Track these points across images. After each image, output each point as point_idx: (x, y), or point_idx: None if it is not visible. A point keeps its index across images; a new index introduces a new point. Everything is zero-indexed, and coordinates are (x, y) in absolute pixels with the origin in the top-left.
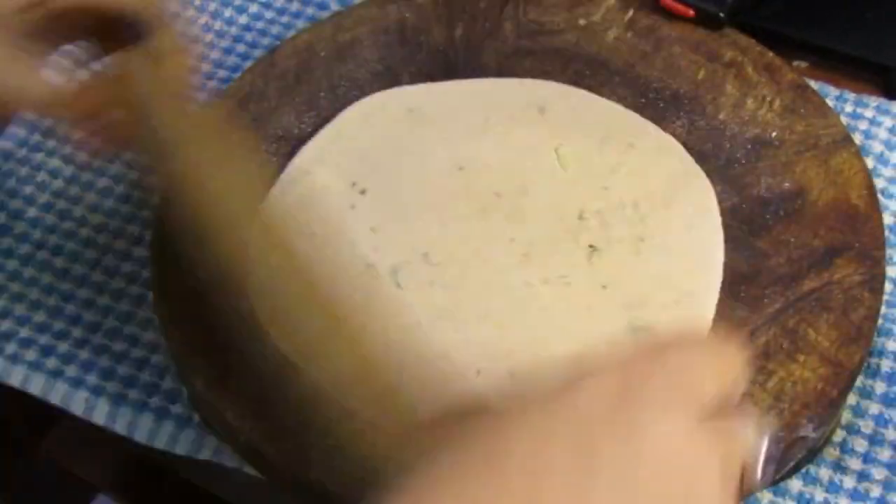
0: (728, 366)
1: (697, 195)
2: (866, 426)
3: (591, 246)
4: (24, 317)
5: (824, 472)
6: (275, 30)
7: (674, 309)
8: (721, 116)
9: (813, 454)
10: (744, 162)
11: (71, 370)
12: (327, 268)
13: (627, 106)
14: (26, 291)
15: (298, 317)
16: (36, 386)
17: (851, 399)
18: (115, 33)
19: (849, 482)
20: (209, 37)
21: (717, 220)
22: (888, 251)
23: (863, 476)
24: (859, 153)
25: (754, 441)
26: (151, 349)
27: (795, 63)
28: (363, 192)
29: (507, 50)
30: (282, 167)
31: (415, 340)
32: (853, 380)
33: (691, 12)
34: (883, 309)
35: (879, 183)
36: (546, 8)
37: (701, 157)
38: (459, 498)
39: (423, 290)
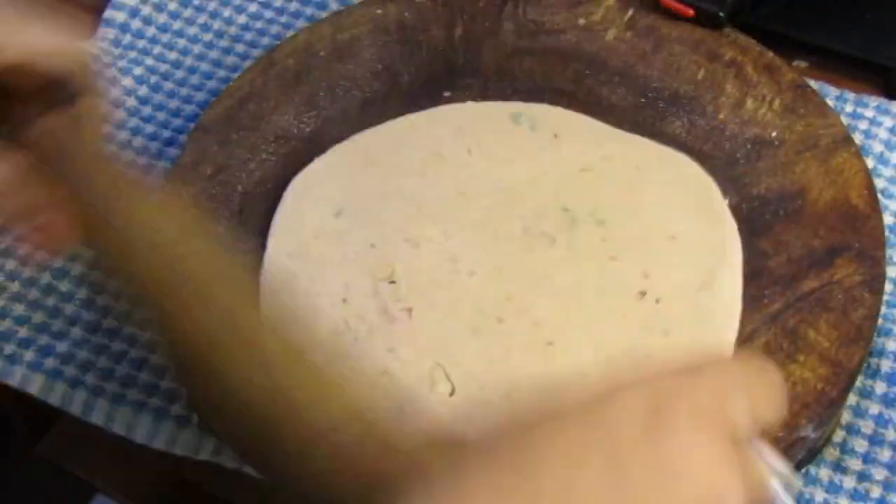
0: (763, 393)
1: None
2: (866, 426)
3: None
4: (22, 316)
5: (824, 473)
6: (274, 29)
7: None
8: (721, 116)
9: (813, 454)
10: (744, 162)
11: (70, 370)
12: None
13: (627, 106)
14: (25, 291)
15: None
16: (35, 386)
17: (851, 399)
18: (35, 99)
19: (849, 482)
20: (208, 36)
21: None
22: (888, 251)
23: (863, 476)
24: (859, 153)
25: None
26: (150, 349)
27: (795, 63)
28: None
29: (506, 50)
30: (282, 167)
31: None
32: (853, 380)
33: (691, 12)
34: (883, 309)
35: (879, 183)
36: (546, 8)
37: (701, 157)
38: None
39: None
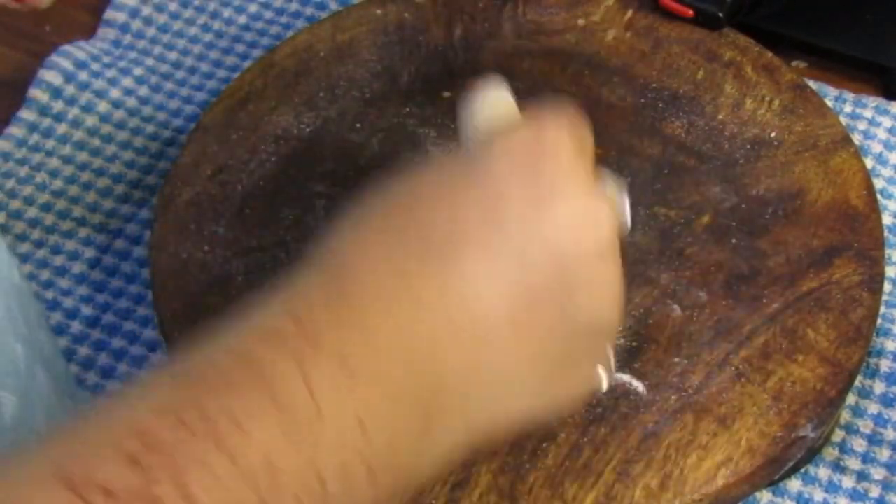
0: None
1: None
2: (865, 426)
3: None
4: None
5: (823, 472)
6: (274, 30)
7: None
8: (720, 116)
9: (812, 454)
10: (743, 162)
11: (71, 368)
12: None
13: (627, 106)
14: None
15: None
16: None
17: (850, 399)
18: None
19: (848, 482)
20: (208, 36)
21: None
22: (887, 251)
23: (862, 476)
24: (858, 153)
25: (620, 197)
26: (150, 347)
27: (794, 63)
28: None
29: (506, 50)
30: (282, 168)
31: None
32: (852, 380)
33: (690, 12)
34: (882, 309)
35: (879, 183)
36: (545, 8)
37: (700, 157)
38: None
39: None
